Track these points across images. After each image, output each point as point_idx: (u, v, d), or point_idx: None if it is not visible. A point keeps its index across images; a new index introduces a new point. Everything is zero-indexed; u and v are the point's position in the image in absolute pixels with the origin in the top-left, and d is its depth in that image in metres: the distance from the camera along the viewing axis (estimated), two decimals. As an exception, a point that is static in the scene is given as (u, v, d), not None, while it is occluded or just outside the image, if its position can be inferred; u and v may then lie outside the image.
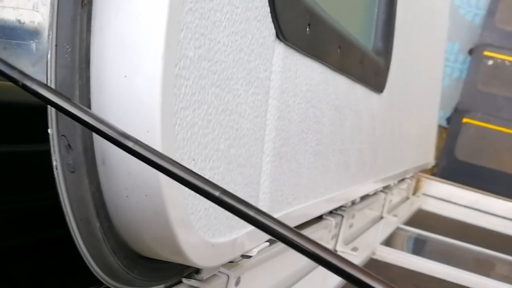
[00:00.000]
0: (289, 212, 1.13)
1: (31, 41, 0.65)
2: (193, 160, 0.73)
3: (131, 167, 0.65)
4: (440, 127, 4.47)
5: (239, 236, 0.89)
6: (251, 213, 0.50)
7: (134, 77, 0.63)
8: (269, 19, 0.92)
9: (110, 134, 0.55)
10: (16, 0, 0.65)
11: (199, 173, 0.72)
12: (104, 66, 0.63)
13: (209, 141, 0.76)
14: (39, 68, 0.65)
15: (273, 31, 0.94)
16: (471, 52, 4.71)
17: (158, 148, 0.63)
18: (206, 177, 0.75)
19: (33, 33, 0.65)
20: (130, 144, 0.55)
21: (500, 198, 3.60)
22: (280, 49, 0.98)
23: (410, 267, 2.11)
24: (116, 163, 0.65)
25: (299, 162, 1.15)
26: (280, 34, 0.96)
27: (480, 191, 3.62)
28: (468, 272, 2.10)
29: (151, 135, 0.63)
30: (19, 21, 0.65)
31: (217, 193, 0.52)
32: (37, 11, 0.65)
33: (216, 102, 0.77)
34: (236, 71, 0.82)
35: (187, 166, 0.68)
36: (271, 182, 1.01)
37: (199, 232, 0.75)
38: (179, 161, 0.69)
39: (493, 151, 4.41)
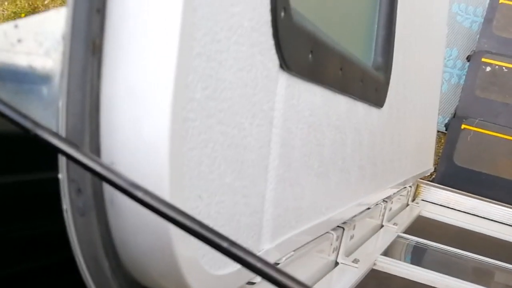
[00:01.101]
0: (292, 236, 1.14)
1: (43, 86, 0.67)
2: (200, 197, 0.74)
3: (139, 207, 0.67)
4: (438, 132, 4.50)
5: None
6: (259, 264, 0.52)
7: (142, 122, 0.64)
8: (273, 51, 0.94)
9: (120, 183, 0.57)
10: (29, 45, 0.67)
11: (206, 208, 0.74)
12: (113, 111, 0.65)
13: (215, 177, 0.78)
14: (50, 112, 0.67)
15: (277, 62, 0.96)
16: (469, 58, 4.73)
17: (166, 189, 0.65)
18: (212, 211, 0.77)
19: (45, 78, 0.66)
20: (139, 195, 0.56)
21: (498, 204, 3.62)
22: (283, 78, 1.00)
23: (411, 277, 2.12)
24: (124, 204, 0.67)
25: (301, 186, 1.17)
26: (284, 64, 0.98)
27: (479, 197, 3.64)
28: (469, 283, 2.12)
29: (160, 178, 0.65)
30: (31, 66, 0.67)
31: (225, 244, 0.53)
32: (49, 57, 0.66)
33: (222, 139, 0.79)
34: (241, 106, 0.84)
35: (194, 203, 0.70)
36: (274, 209, 1.03)
37: (205, 266, 0.77)
38: (186, 199, 0.71)
39: (491, 157, 4.43)
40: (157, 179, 0.65)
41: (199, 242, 0.74)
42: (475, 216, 3.60)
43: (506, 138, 4.44)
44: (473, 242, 3.12)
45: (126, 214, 0.67)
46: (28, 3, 6.01)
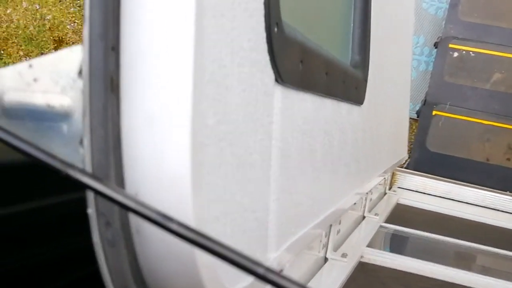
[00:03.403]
0: (293, 241, 1.17)
1: (62, 123, 0.68)
2: (217, 218, 0.77)
3: (165, 235, 0.69)
4: (410, 119, 4.57)
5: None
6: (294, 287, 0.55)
7: (164, 153, 0.66)
8: (269, 66, 0.97)
9: (152, 217, 0.59)
10: (45, 84, 0.68)
11: (223, 228, 0.77)
12: (135, 144, 0.67)
13: (229, 197, 0.81)
14: (70, 149, 0.68)
15: (272, 76, 0.99)
16: (436, 45, 4.82)
17: (191, 216, 0.68)
18: (228, 230, 0.80)
19: (64, 116, 0.68)
20: (173, 227, 0.58)
21: (472, 187, 3.71)
22: (279, 91, 1.03)
23: (397, 267, 2.17)
24: (149, 232, 0.69)
25: (298, 192, 1.20)
26: (279, 77, 1.01)
27: (453, 181, 3.73)
28: (452, 268, 2.18)
29: (183, 207, 0.67)
30: (48, 105, 0.68)
31: (261, 271, 0.56)
32: (66, 95, 0.68)
33: (232, 160, 0.81)
34: (246, 125, 0.86)
35: (213, 225, 0.72)
36: (278, 219, 1.06)
37: (226, 285, 0.80)
38: (207, 222, 0.73)
39: (463, 140, 4.53)
40: (181, 207, 0.67)
41: (221, 263, 0.77)
42: (451, 200, 3.69)
43: (476, 122, 4.55)
44: (450, 226, 3.20)
45: (152, 242, 0.70)
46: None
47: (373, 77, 2.15)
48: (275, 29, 0.97)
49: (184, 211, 0.67)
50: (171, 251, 0.70)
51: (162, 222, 0.58)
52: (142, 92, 0.66)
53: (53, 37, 6.20)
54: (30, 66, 0.68)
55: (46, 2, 6.25)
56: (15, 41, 6.16)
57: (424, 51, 5.13)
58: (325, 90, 1.37)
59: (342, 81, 1.59)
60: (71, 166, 0.60)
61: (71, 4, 6.23)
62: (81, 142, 0.68)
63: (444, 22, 4.92)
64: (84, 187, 0.61)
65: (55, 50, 6.00)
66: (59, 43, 6.17)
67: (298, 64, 1.12)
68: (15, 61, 6.11)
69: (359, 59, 1.94)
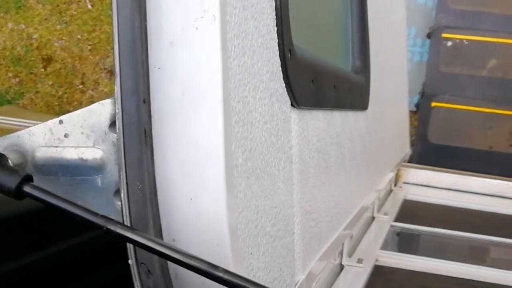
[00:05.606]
0: (317, 259, 1.19)
1: (96, 176, 0.69)
2: (251, 254, 0.78)
3: (202, 278, 0.70)
4: (409, 112, 4.58)
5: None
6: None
7: (200, 199, 0.67)
8: (285, 93, 0.98)
9: (199, 267, 0.60)
10: (76, 139, 0.69)
11: (256, 262, 0.78)
12: (170, 191, 0.68)
13: (259, 230, 0.82)
14: (104, 200, 0.69)
15: (289, 102, 1.00)
16: (429, 36, 4.83)
17: (229, 258, 0.69)
18: (261, 263, 0.81)
19: (97, 168, 0.69)
20: (220, 274, 0.59)
21: (477, 176, 3.71)
22: (295, 115, 1.04)
23: (413, 268, 2.18)
24: (188, 276, 0.70)
25: (318, 210, 1.21)
26: (294, 102, 1.02)
27: (458, 171, 3.73)
28: (469, 265, 2.19)
29: (222, 248, 0.68)
30: (81, 158, 0.69)
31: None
32: (98, 148, 0.69)
33: (260, 192, 0.82)
34: (270, 155, 0.87)
35: (248, 261, 0.73)
36: (302, 240, 1.07)
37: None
38: (242, 259, 0.74)
39: (464, 130, 4.54)
40: (219, 250, 0.68)
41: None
42: (458, 191, 3.69)
43: (476, 110, 4.56)
44: (460, 219, 3.20)
45: (190, 285, 0.71)
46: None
47: (375, 80, 2.16)
48: (289, 55, 0.98)
49: (223, 254, 0.68)
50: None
51: (209, 271, 0.59)
52: (174, 141, 0.67)
53: (42, 56, 6.19)
54: (61, 122, 0.69)
55: (31, 21, 6.24)
56: (3, 63, 6.15)
57: (417, 42, 5.14)
58: (334, 104, 1.38)
59: (348, 90, 1.60)
60: (112, 221, 0.61)
61: (58, 21, 6.22)
62: (115, 193, 0.69)
63: (434, 12, 4.93)
64: (126, 240, 0.62)
65: (44, 69, 6.02)
66: (48, 62, 6.16)
67: (310, 84, 1.13)
68: (4, 83, 6.10)
69: (360, 64, 1.95)
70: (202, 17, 0.66)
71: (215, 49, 0.66)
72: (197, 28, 0.66)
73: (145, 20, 0.67)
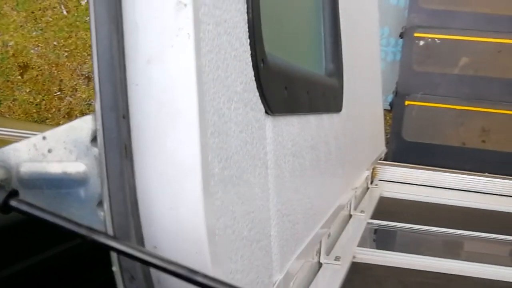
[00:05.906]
0: (294, 259, 1.23)
1: (79, 189, 0.72)
2: (230, 258, 0.82)
3: (184, 284, 0.74)
4: (384, 110, 4.65)
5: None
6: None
7: (178, 208, 0.71)
8: (259, 101, 1.01)
9: (178, 272, 0.64)
10: (59, 154, 0.72)
11: (234, 265, 0.81)
12: (150, 202, 0.71)
13: (237, 235, 0.86)
14: (88, 211, 0.73)
15: (263, 110, 1.04)
16: (402, 35, 4.91)
17: (209, 264, 0.72)
18: (239, 266, 0.84)
19: (80, 182, 0.72)
20: (199, 279, 0.63)
21: (451, 172, 3.79)
22: (269, 122, 1.08)
23: (391, 264, 2.23)
24: (170, 282, 0.74)
25: (295, 212, 1.25)
26: (268, 110, 1.06)
27: (432, 168, 3.80)
28: (445, 259, 2.24)
29: (201, 254, 0.72)
30: (65, 172, 0.72)
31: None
32: (81, 162, 0.72)
33: (237, 199, 0.86)
34: (246, 163, 0.91)
35: (227, 265, 0.77)
36: (279, 242, 1.11)
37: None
38: (222, 264, 0.78)
39: (438, 127, 4.63)
40: (199, 256, 0.72)
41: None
42: (432, 187, 3.76)
43: (449, 107, 4.65)
44: (435, 214, 3.27)
45: (172, 290, 0.74)
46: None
47: (348, 82, 2.20)
48: (262, 65, 1.02)
49: (202, 260, 0.72)
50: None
51: (189, 276, 0.63)
52: (153, 154, 0.71)
53: (18, 63, 6.17)
54: (44, 138, 0.72)
55: (7, 28, 6.21)
56: (-21, 71, 6.13)
57: (390, 42, 5.23)
58: (308, 108, 1.42)
59: (322, 94, 1.65)
60: (96, 231, 0.65)
61: (33, 28, 6.20)
62: (98, 205, 0.73)
63: (406, 12, 5.01)
64: (109, 249, 0.65)
65: (21, 77, 6.01)
66: (25, 69, 6.14)
67: (283, 91, 1.17)
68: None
69: (333, 67, 1.99)
70: (177, 36, 0.70)
71: (190, 66, 0.70)
72: (172, 46, 0.70)
73: (123, 39, 0.70)
